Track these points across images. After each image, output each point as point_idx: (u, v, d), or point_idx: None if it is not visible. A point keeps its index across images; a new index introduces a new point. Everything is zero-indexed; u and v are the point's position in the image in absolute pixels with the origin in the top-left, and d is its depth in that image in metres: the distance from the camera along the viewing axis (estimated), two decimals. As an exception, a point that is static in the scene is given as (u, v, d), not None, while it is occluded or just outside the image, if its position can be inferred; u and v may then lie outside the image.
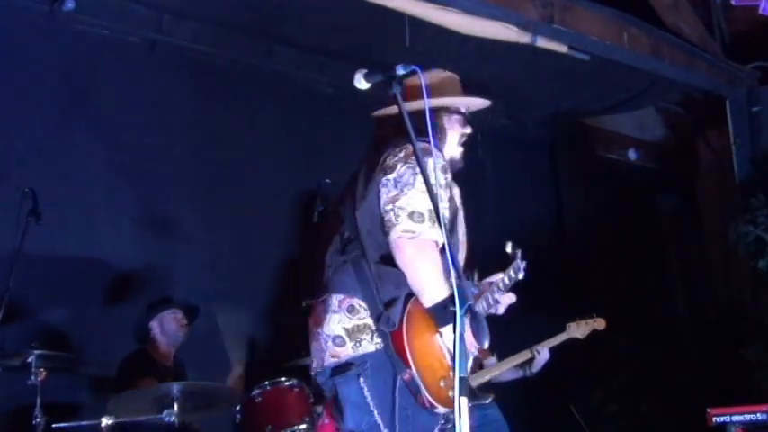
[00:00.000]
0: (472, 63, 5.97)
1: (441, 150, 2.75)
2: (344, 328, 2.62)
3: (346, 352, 2.61)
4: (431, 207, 2.49)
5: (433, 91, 2.70)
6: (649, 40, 5.86)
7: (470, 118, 2.96)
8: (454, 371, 2.07)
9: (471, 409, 2.10)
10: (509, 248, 2.80)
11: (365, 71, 2.48)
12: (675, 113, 7.98)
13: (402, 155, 2.64)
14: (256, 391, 4.05)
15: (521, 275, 2.81)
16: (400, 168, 2.61)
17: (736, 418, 4.25)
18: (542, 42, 5.35)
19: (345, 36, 5.51)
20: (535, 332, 4.82)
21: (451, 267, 2.18)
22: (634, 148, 7.90)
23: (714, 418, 4.28)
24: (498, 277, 2.89)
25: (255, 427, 4.01)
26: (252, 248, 5.42)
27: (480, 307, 2.84)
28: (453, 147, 2.91)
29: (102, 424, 3.66)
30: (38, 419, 3.70)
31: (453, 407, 2.54)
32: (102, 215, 4.91)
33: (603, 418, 6.39)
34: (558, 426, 5.96)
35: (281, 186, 5.59)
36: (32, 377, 3.73)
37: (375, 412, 2.54)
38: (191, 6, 5.26)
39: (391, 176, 2.60)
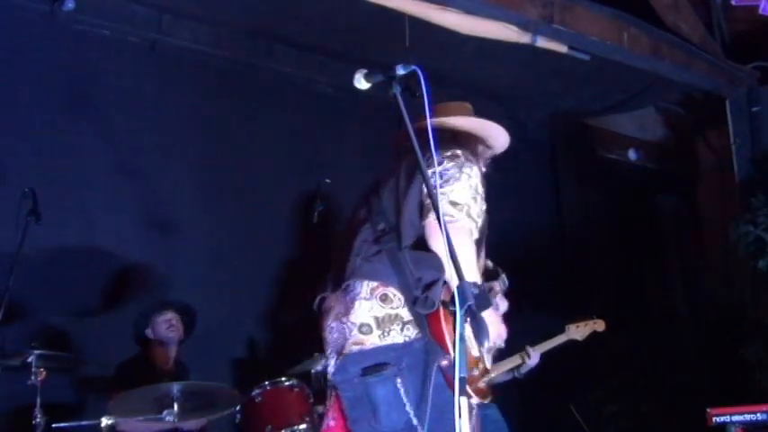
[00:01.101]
0: (472, 63, 5.98)
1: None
2: (375, 317, 2.57)
3: (372, 341, 2.56)
4: (470, 204, 2.59)
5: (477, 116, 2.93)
6: (649, 40, 5.86)
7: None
8: (454, 372, 2.06)
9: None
10: (490, 264, 2.86)
11: (365, 71, 2.48)
12: (675, 113, 7.98)
13: (449, 154, 2.70)
14: (256, 391, 4.05)
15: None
16: (447, 163, 2.67)
17: (736, 418, 4.25)
18: (542, 42, 5.35)
19: (345, 36, 5.51)
20: (535, 332, 4.82)
21: (452, 268, 2.18)
22: (634, 148, 7.90)
23: (714, 418, 4.28)
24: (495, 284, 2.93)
25: (255, 427, 4.01)
26: (252, 248, 5.42)
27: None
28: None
29: (102, 424, 3.66)
30: (38, 419, 3.70)
31: (483, 398, 2.56)
32: (102, 215, 4.91)
33: (603, 418, 6.39)
34: (558, 426, 5.96)
35: (281, 186, 5.59)
36: (32, 377, 3.73)
37: (411, 412, 2.50)
38: (191, 6, 5.26)
39: (438, 170, 2.62)
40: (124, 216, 4.99)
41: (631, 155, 7.89)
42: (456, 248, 2.40)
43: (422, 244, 2.61)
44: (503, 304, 3.06)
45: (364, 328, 2.58)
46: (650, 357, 6.82)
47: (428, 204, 2.58)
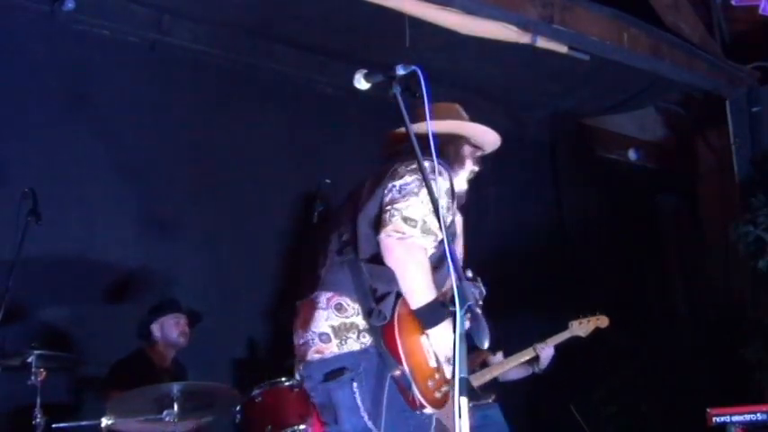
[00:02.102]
0: (472, 63, 5.98)
1: (452, 174, 2.84)
2: (331, 326, 2.64)
3: (331, 349, 2.63)
4: (426, 219, 2.59)
5: (459, 117, 2.97)
6: (649, 40, 5.86)
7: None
8: (453, 372, 2.06)
9: (472, 410, 2.11)
10: (469, 273, 2.89)
11: (365, 71, 2.48)
12: (675, 113, 7.98)
13: (413, 167, 2.69)
14: (256, 391, 4.05)
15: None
16: (408, 177, 2.68)
17: (736, 418, 4.25)
18: (542, 42, 5.35)
19: (345, 36, 5.51)
20: (535, 331, 4.82)
21: (452, 268, 2.18)
22: (634, 148, 7.90)
23: (714, 418, 4.28)
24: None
25: (255, 427, 4.01)
26: (252, 248, 5.42)
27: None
28: (462, 180, 3.01)
29: (102, 424, 3.66)
30: (38, 419, 3.70)
31: (439, 408, 2.58)
32: (102, 215, 4.90)
33: (603, 417, 6.40)
34: (559, 426, 5.96)
35: (281, 186, 5.59)
36: (32, 377, 3.73)
37: (365, 417, 2.55)
38: (191, 6, 5.26)
39: (398, 183, 2.67)
40: (124, 216, 4.99)
41: (631, 155, 7.89)
42: (408, 269, 2.54)
43: (381, 258, 2.65)
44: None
45: (323, 337, 2.65)
46: (650, 357, 6.82)
47: (384, 218, 2.62)
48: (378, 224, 2.65)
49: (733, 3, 6.27)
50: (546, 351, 4.59)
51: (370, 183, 2.80)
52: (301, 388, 4.11)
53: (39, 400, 3.73)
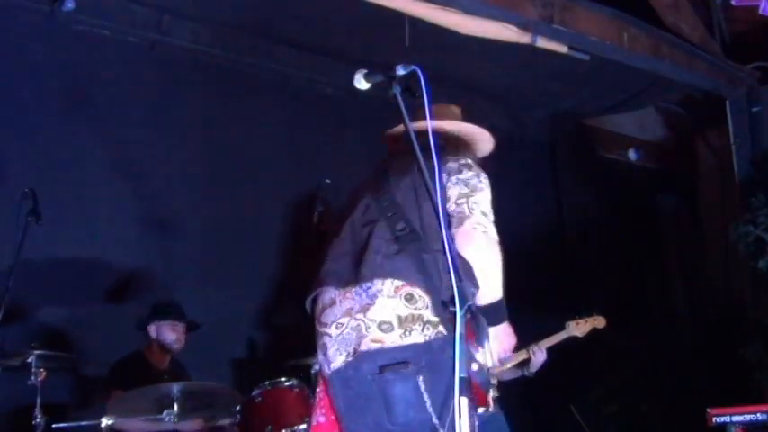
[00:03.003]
0: (472, 63, 5.98)
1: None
2: (398, 315, 2.51)
3: (392, 339, 2.50)
4: (492, 214, 2.65)
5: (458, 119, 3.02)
6: (649, 40, 5.86)
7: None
8: (454, 372, 2.06)
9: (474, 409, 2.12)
10: None
11: (365, 71, 2.48)
12: (675, 113, 7.98)
13: (463, 162, 2.75)
14: (256, 392, 4.05)
15: None
16: (466, 172, 2.71)
17: (736, 418, 4.25)
18: (542, 42, 5.35)
19: (345, 36, 5.51)
20: (535, 332, 4.82)
21: (451, 268, 2.18)
22: (634, 148, 7.90)
23: (714, 418, 4.28)
24: None
25: (255, 427, 4.00)
26: (252, 248, 5.42)
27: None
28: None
29: (102, 424, 3.66)
30: (38, 419, 3.70)
31: (486, 407, 2.59)
32: (102, 215, 4.91)
33: (603, 417, 6.40)
34: (559, 426, 5.96)
35: (282, 186, 5.59)
36: (32, 377, 3.73)
37: (433, 413, 2.43)
38: (191, 6, 5.26)
39: (461, 177, 2.68)
40: (124, 216, 4.99)
41: (631, 155, 7.89)
42: (489, 258, 2.56)
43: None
44: None
45: (384, 326, 2.51)
46: (650, 357, 6.83)
47: (460, 212, 2.62)
48: (451, 218, 2.63)
49: (733, 3, 6.27)
50: (539, 356, 4.59)
51: (423, 176, 2.61)
52: (301, 388, 4.13)
53: (39, 400, 3.73)
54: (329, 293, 2.69)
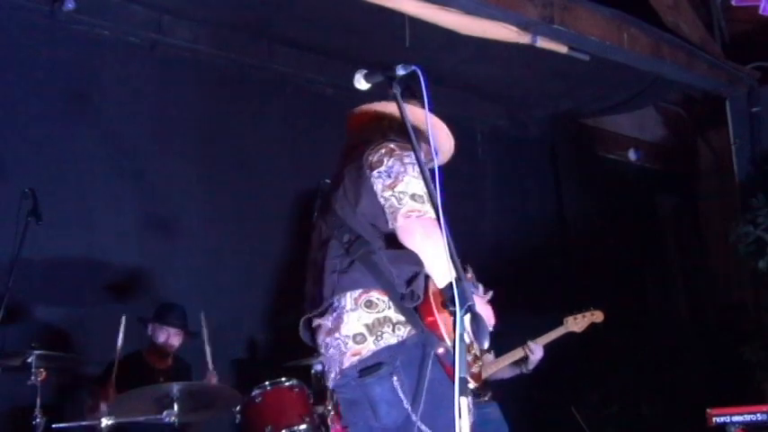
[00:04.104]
0: (472, 63, 5.97)
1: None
2: (365, 325, 2.57)
3: (368, 347, 2.56)
4: (426, 191, 2.50)
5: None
6: (649, 40, 5.86)
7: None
8: (454, 369, 2.06)
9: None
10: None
11: (365, 71, 2.48)
12: (675, 113, 7.99)
13: (383, 151, 2.68)
14: (256, 392, 4.05)
15: None
16: (387, 161, 2.64)
17: (736, 418, 4.25)
18: (542, 42, 5.35)
19: (345, 36, 5.51)
20: (535, 331, 4.81)
21: (451, 268, 2.17)
22: (634, 148, 7.91)
23: (714, 419, 4.28)
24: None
25: (255, 427, 4.01)
26: (252, 248, 5.42)
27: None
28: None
29: (102, 424, 3.66)
30: (38, 419, 3.70)
31: (476, 382, 2.58)
32: (102, 215, 4.91)
33: (603, 418, 6.40)
34: (559, 426, 5.96)
35: (282, 186, 5.59)
36: (32, 377, 3.73)
37: (409, 408, 2.50)
38: (191, 6, 5.26)
39: (382, 169, 2.63)
40: (124, 216, 4.99)
41: (631, 155, 7.89)
42: (430, 248, 2.49)
43: (392, 243, 2.62)
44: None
45: (358, 338, 2.58)
46: (650, 357, 6.83)
47: (390, 205, 2.58)
48: (385, 212, 2.60)
49: (733, 3, 6.27)
50: (536, 352, 4.58)
51: (350, 180, 2.73)
52: (301, 388, 4.13)
53: (39, 401, 3.73)
54: (313, 319, 2.76)
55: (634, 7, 5.75)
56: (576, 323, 4.68)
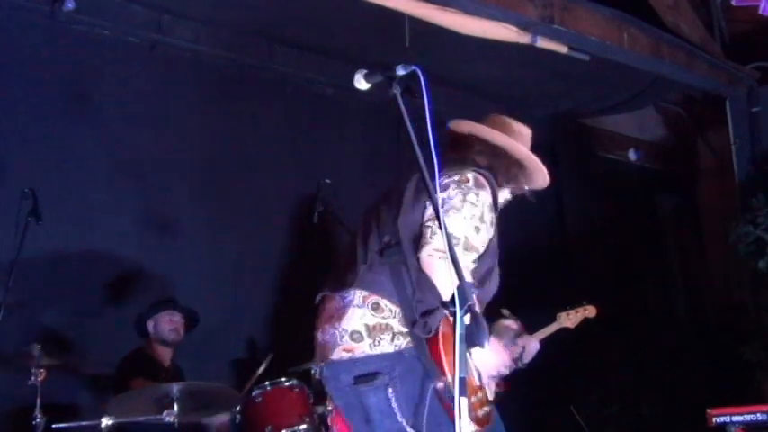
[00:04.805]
0: (472, 63, 5.98)
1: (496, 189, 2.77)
2: (365, 324, 2.58)
3: (362, 349, 2.57)
4: (469, 236, 2.55)
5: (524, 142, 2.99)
6: (649, 40, 5.85)
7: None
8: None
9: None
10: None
11: (365, 71, 2.47)
12: (675, 113, 7.99)
13: (457, 178, 2.65)
14: (256, 392, 4.05)
15: None
16: (451, 191, 2.63)
17: (736, 418, 4.24)
18: (542, 42, 5.35)
19: (345, 36, 5.51)
20: (534, 331, 4.81)
21: (452, 268, 2.17)
22: (634, 148, 7.91)
23: (714, 419, 4.28)
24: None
25: (255, 427, 4.01)
26: (252, 248, 5.42)
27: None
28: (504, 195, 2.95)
29: (102, 424, 3.66)
30: (38, 419, 3.70)
31: (481, 427, 2.58)
32: (102, 215, 4.90)
33: (603, 418, 6.40)
34: (559, 426, 5.96)
35: (282, 186, 5.59)
36: (32, 377, 3.73)
37: (403, 421, 2.51)
38: (191, 6, 5.26)
39: (441, 196, 2.55)
40: (124, 216, 4.99)
41: (631, 155, 7.89)
42: (441, 282, 2.45)
43: None
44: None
45: (355, 336, 2.59)
46: (650, 357, 6.82)
47: (425, 234, 2.56)
48: (419, 239, 2.58)
49: (733, 3, 6.27)
50: (531, 346, 4.57)
51: (414, 187, 2.69)
52: (302, 388, 4.13)
53: (39, 401, 3.73)
54: (327, 298, 2.76)
55: (634, 7, 5.75)
56: (569, 318, 4.67)
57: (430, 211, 2.59)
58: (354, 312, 2.61)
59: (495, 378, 2.86)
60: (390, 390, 2.53)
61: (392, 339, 2.56)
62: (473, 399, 2.60)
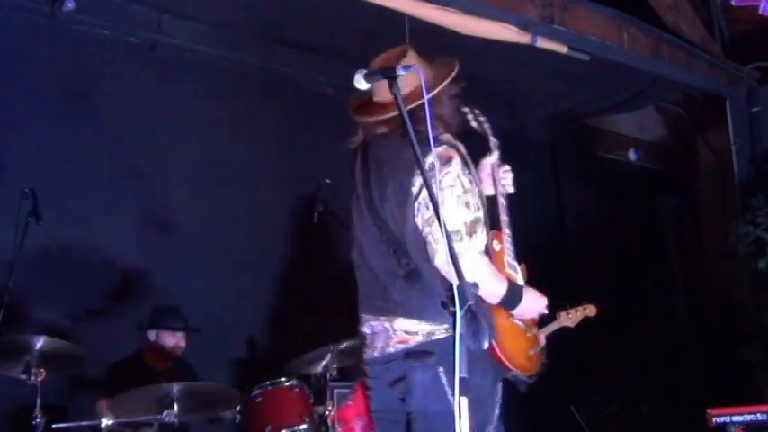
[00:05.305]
0: (472, 63, 5.96)
1: (441, 141, 2.66)
2: (421, 329, 2.59)
3: (416, 339, 2.58)
4: (466, 221, 2.53)
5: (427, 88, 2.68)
6: (649, 40, 5.85)
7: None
8: (454, 372, 2.06)
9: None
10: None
11: (365, 71, 2.48)
12: (675, 113, 7.99)
13: (430, 163, 2.54)
14: (256, 391, 4.05)
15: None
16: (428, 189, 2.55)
17: (736, 418, 4.25)
18: (542, 42, 5.35)
19: (345, 36, 5.51)
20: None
21: (452, 268, 2.17)
22: (634, 148, 7.91)
23: (714, 419, 4.28)
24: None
25: (255, 427, 4.01)
26: (252, 248, 5.42)
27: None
28: (453, 115, 2.88)
29: (102, 424, 3.66)
30: (38, 419, 3.69)
31: (538, 369, 2.77)
32: (102, 215, 4.90)
33: (603, 418, 6.40)
34: (559, 426, 5.96)
35: (282, 186, 5.59)
36: (32, 377, 3.73)
37: (452, 401, 2.49)
38: (191, 6, 5.26)
39: (421, 198, 2.54)
40: (124, 216, 4.99)
41: (631, 155, 7.89)
42: (476, 274, 2.42)
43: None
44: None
45: (411, 332, 2.60)
46: (650, 357, 6.82)
47: (429, 243, 2.52)
48: (427, 245, 2.54)
49: (733, 3, 6.27)
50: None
51: (393, 187, 2.63)
52: (302, 388, 4.13)
53: (39, 401, 3.72)
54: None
55: (634, 7, 5.75)
56: (569, 318, 4.66)
57: (421, 219, 2.55)
58: (406, 322, 2.61)
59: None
60: (442, 369, 2.50)
61: (446, 331, 2.53)
62: (530, 352, 2.80)
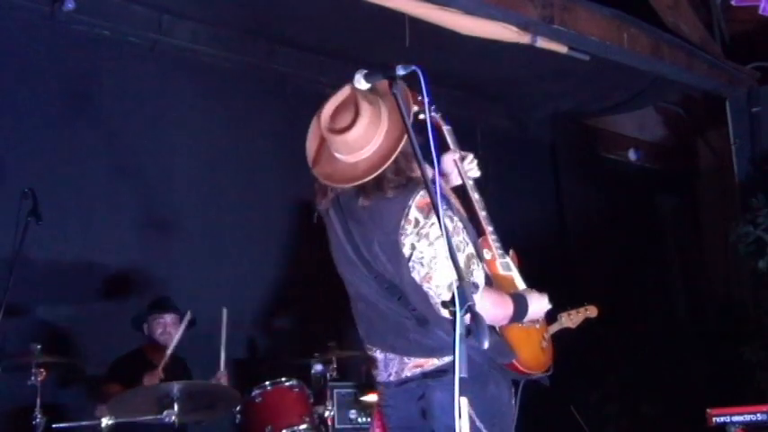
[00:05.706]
0: (472, 63, 5.97)
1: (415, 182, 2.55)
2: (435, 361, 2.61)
3: (432, 362, 2.59)
4: (461, 265, 2.37)
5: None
6: (649, 40, 5.85)
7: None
8: (454, 372, 2.06)
9: None
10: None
11: (365, 71, 2.47)
12: (675, 113, 7.99)
13: (411, 227, 2.49)
14: (256, 391, 4.06)
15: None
16: (419, 246, 2.48)
17: (736, 418, 4.24)
18: (542, 42, 5.35)
19: (345, 36, 5.51)
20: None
21: (453, 268, 2.17)
22: (634, 148, 7.91)
23: (714, 419, 4.28)
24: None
25: (255, 427, 4.01)
26: (252, 248, 5.42)
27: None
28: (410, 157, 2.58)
29: (103, 424, 3.66)
30: (38, 419, 3.70)
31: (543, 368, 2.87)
32: (102, 215, 4.91)
33: (603, 418, 6.40)
34: (559, 426, 5.96)
35: (281, 186, 5.59)
36: (32, 377, 3.73)
37: (477, 420, 2.45)
38: (191, 6, 5.27)
39: (414, 258, 2.49)
40: (124, 216, 4.99)
41: (631, 155, 7.90)
42: (488, 315, 2.36)
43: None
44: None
45: (424, 356, 2.61)
46: (650, 357, 6.82)
47: (431, 296, 2.49)
48: (429, 295, 2.53)
49: (733, 3, 6.27)
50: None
51: (379, 237, 2.56)
52: (301, 388, 4.13)
53: (39, 400, 3.73)
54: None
55: (634, 7, 5.75)
56: (571, 319, 4.67)
57: (418, 277, 2.50)
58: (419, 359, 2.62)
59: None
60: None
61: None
62: (544, 344, 2.92)
